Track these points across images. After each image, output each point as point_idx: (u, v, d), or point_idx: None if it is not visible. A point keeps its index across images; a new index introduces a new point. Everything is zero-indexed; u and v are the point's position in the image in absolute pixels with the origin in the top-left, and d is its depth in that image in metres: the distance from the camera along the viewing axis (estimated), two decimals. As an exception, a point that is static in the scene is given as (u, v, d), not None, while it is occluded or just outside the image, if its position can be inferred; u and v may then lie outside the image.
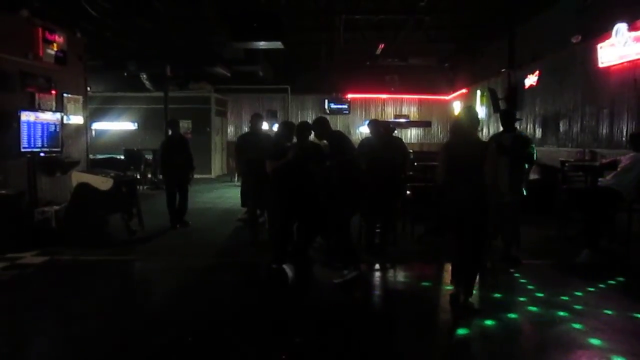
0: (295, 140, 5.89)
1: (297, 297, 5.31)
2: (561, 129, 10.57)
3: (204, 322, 4.54)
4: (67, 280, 5.91)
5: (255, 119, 7.83)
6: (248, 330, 4.34)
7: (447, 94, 19.05)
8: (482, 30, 13.61)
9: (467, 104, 16.08)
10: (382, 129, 7.23)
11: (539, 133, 11.59)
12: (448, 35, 14.71)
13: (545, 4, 10.68)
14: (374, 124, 7.25)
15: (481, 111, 14.51)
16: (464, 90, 17.26)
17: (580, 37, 9.42)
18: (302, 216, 5.83)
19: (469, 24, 13.70)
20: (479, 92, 15.16)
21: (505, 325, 4.41)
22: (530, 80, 11.73)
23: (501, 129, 6.59)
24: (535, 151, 6.17)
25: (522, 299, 5.05)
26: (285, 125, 6.32)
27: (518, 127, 8.65)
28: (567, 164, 8.87)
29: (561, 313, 4.60)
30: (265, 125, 9.89)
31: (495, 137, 6.43)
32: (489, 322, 4.41)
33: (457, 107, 17.45)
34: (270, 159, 5.83)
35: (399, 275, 6.20)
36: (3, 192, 6.90)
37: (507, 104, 12.27)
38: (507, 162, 5.81)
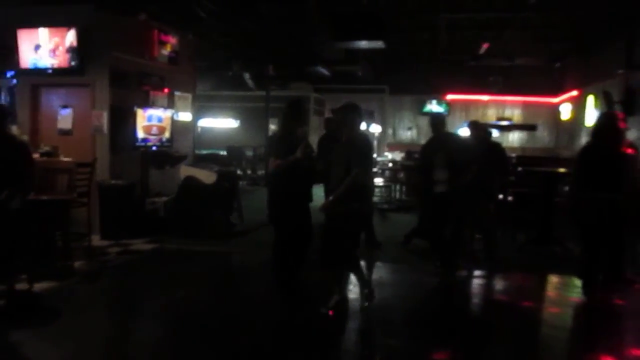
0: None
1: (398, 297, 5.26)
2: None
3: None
4: (172, 267, 6.29)
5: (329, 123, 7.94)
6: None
7: (555, 96, 17.98)
8: (596, 28, 12.70)
9: (577, 107, 15.10)
10: (482, 132, 6.99)
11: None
12: (558, 34, 13.89)
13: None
14: (474, 126, 7.02)
15: (594, 116, 13.57)
16: (574, 93, 16.20)
17: None
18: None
19: (581, 22, 12.84)
20: (591, 96, 14.18)
21: None
22: (652, 82, 10.78)
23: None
24: None
25: None
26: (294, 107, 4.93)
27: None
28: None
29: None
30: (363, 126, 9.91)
31: None
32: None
33: (565, 111, 16.45)
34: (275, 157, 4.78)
35: (501, 285, 5.97)
36: (119, 182, 7.45)
37: (623, 109, 11.36)
38: None
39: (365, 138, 4.80)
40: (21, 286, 5.04)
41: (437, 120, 6.12)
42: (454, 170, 5.60)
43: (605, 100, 12.13)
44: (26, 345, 3.94)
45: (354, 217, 4.44)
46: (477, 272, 6.18)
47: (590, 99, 14.22)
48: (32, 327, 4.26)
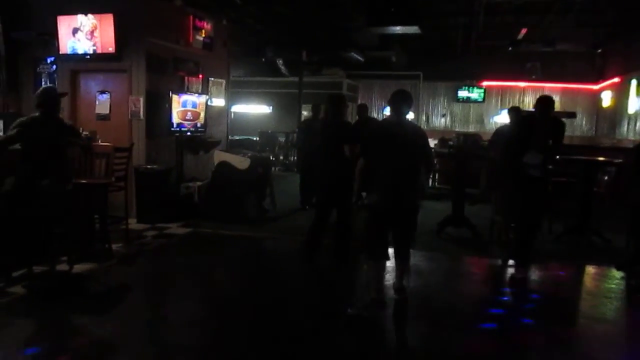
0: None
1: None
2: None
3: (328, 299, 4.67)
4: (207, 251, 6.39)
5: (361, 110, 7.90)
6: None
7: (595, 83, 17.43)
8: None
9: (619, 94, 14.60)
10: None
11: None
12: (600, 19, 13.41)
13: None
14: (515, 112, 6.83)
15: (636, 103, 13.13)
16: (616, 80, 15.67)
17: None
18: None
19: (624, 6, 12.36)
20: (634, 82, 13.69)
21: None
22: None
23: None
24: None
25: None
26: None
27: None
28: None
29: None
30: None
31: None
32: None
33: (606, 98, 15.94)
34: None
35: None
36: (155, 167, 7.56)
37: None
38: None
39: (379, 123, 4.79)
40: (61, 268, 5.19)
41: (547, 102, 5.70)
42: (547, 153, 5.33)
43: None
44: (68, 324, 4.06)
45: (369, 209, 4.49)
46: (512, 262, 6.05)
47: (633, 86, 13.74)
48: (73, 307, 4.38)
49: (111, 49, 7.43)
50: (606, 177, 7.96)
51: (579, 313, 4.85)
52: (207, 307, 4.61)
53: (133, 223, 7.12)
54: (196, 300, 4.78)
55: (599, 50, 16.23)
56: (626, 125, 13.32)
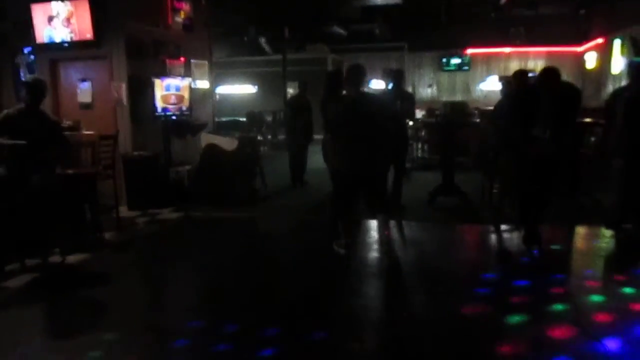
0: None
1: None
2: None
3: (326, 274, 4.71)
4: (200, 234, 6.39)
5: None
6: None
7: (579, 45, 17.40)
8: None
9: (603, 55, 14.62)
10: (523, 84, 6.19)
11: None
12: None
13: None
14: (520, 77, 6.28)
15: (621, 63, 13.15)
16: (599, 41, 15.65)
17: None
18: None
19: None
20: (618, 42, 13.69)
21: None
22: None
23: None
24: None
25: None
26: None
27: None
28: None
29: None
30: (383, 85, 9.79)
31: None
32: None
33: (590, 59, 15.94)
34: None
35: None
36: (142, 153, 7.50)
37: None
38: None
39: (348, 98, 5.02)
40: (54, 259, 5.17)
41: (552, 73, 5.36)
42: (558, 124, 5.10)
43: (633, 47, 11.73)
44: (64, 315, 4.06)
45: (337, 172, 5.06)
46: (504, 227, 6.10)
47: (617, 46, 13.75)
48: (68, 297, 4.38)
49: (89, 35, 7.30)
50: (593, 139, 8.01)
51: (571, 272, 4.91)
52: (202, 291, 4.62)
53: (124, 211, 7.09)
54: (191, 284, 4.78)
55: (582, 11, 16.16)
56: (611, 86, 13.33)
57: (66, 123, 7.02)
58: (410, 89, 18.75)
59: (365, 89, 5.06)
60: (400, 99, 6.88)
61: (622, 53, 13.45)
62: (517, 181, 5.44)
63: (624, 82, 12.75)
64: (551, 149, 5.05)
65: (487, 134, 7.03)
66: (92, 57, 7.64)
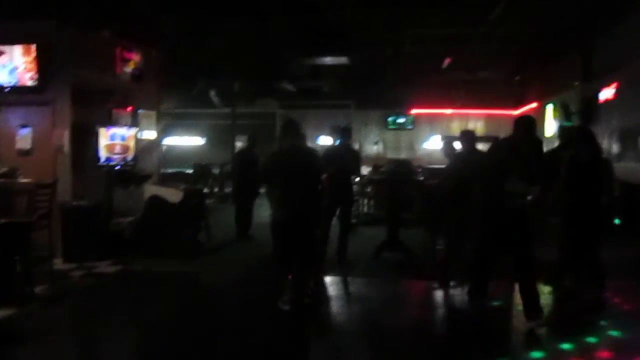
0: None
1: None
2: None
3: (268, 331, 4.58)
4: (138, 289, 6.12)
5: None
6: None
7: (516, 108, 18.44)
8: (555, 42, 13.11)
9: (537, 118, 15.49)
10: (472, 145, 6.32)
11: (616, 148, 10.97)
12: (517, 48, 14.27)
13: (623, 14, 10.15)
14: (466, 137, 6.47)
15: (553, 126, 13.97)
16: (533, 105, 16.66)
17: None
18: None
19: (541, 36, 13.23)
20: (550, 106, 14.59)
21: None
22: (607, 93, 11.16)
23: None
24: None
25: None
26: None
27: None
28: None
29: None
30: (331, 141, 9.93)
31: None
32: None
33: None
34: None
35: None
36: (82, 203, 7.24)
37: (581, 119, 11.72)
38: None
39: (280, 151, 5.33)
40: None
41: (526, 122, 5.06)
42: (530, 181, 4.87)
43: (564, 112, 12.51)
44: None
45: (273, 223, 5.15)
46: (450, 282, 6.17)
47: (549, 111, 14.64)
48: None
49: (33, 80, 7.13)
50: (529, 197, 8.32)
51: (513, 329, 4.99)
52: (136, 350, 4.39)
53: (59, 263, 6.74)
54: (124, 343, 4.53)
55: (517, 78, 17.22)
56: (545, 149, 14.09)
57: (2, 169, 6.72)
58: (357, 146, 19.22)
59: (301, 142, 5.47)
60: (347, 155, 7.02)
61: (554, 117, 14.33)
62: (482, 237, 5.13)
63: (555, 145, 13.51)
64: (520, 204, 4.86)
65: (439, 191, 6.90)
66: (34, 103, 7.42)
